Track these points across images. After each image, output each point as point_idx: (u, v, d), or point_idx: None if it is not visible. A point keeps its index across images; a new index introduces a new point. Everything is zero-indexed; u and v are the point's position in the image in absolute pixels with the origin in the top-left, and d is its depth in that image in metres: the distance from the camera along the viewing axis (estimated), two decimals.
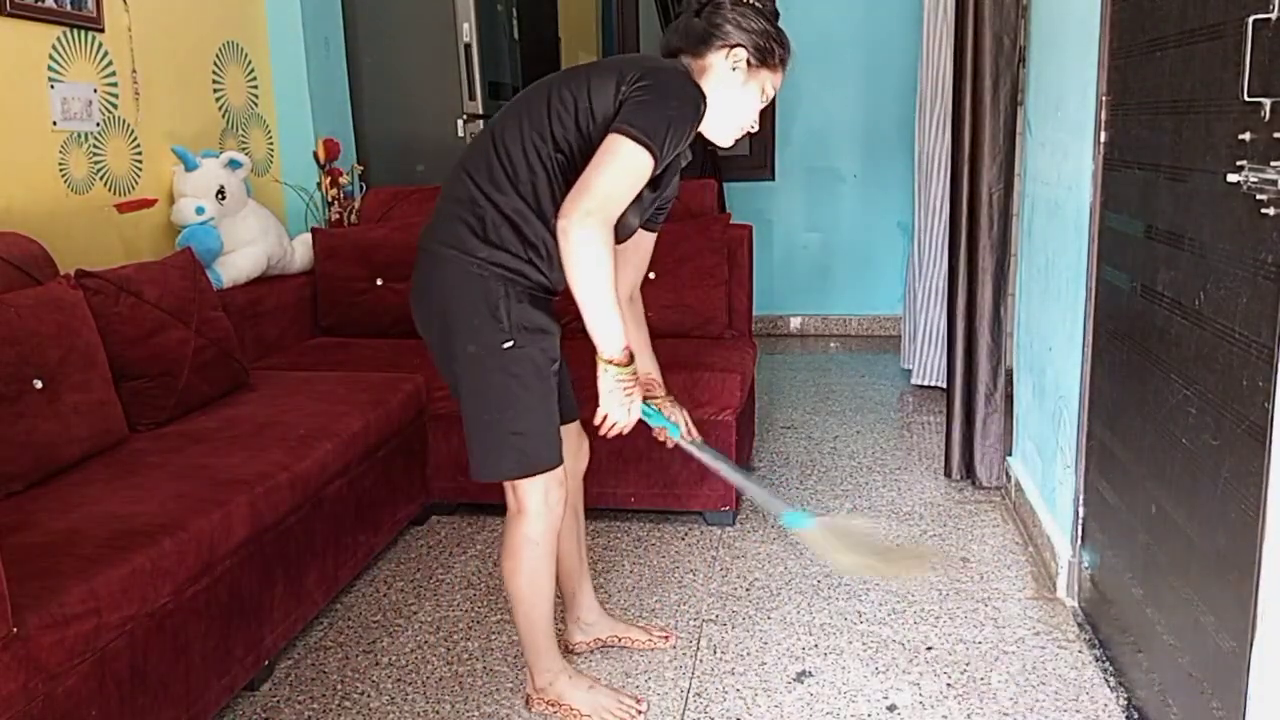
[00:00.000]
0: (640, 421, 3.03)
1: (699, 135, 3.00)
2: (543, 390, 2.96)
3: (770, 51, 2.96)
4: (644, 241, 3.34)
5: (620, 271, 3.12)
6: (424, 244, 3.03)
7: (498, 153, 2.90)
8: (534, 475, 3.00)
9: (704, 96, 2.86)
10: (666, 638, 3.65)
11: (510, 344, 2.88)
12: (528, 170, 2.87)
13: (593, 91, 2.83)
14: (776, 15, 3.00)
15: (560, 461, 3.05)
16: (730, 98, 2.96)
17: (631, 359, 2.88)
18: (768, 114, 8.75)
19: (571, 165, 2.83)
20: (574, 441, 3.40)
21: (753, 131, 3.09)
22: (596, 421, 2.95)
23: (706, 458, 3.27)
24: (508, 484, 3.06)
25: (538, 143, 2.86)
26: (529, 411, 2.95)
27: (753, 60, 2.94)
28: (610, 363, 2.84)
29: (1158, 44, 2.91)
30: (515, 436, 2.95)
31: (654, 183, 2.93)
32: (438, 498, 4.76)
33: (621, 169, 2.70)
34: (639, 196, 2.83)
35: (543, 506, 3.04)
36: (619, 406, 2.91)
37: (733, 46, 2.92)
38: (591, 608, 3.62)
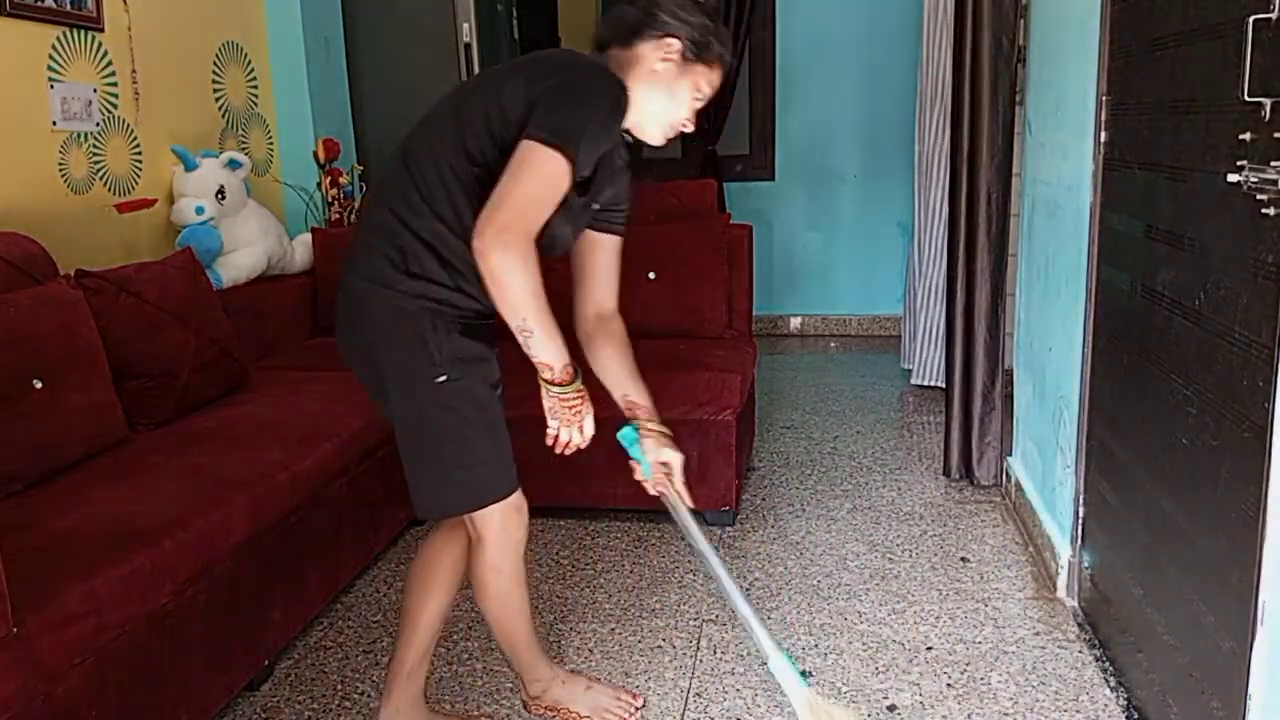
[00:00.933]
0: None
1: (630, 136, 2.85)
2: (485, 420, 2.79)
3: (707, 46, 2.73)
4: (602, 250, 3.07)
5: (582, 289, 3.08)
6: (344, 277, 2.81)
7: (411, 174, 2.69)
8: (485, 506, 2.84)
9: (623, 88, 2.64)
10: None
11: (444, 379, 2.70)
12: (442, 188, 2.65)
13: (503, 95, 2.62)
14: (718, 13, 2.80)
15: (515, 487, 2.88)
16: (659, 93, 2.75)
17: (576, 376, 2.70)
18: (766, 112, 8.77)
19: (490, 177, 2.57)
20: None
21: (685, 132, 2.86)
22: (549, 442, 2.78)
23: (683, 524, 3.02)
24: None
25: (451, 158, 2.65)
26: (473, 444, 2.79)
27: (688, 54, 2.72)
28: (551, 383, 2.67)
29: (1158, 44, 2.91)
30: (460, 470, 2.79)
31: (583, 186, 2.74)
32: None
33: (535, 178, 2.50)
34: (567, 203, 2.62)
35: (501, 534, 2.89)
36: (568, 426, 2.75)
37: (665, 36, 2.70)
38: (415, 700, 3.14)
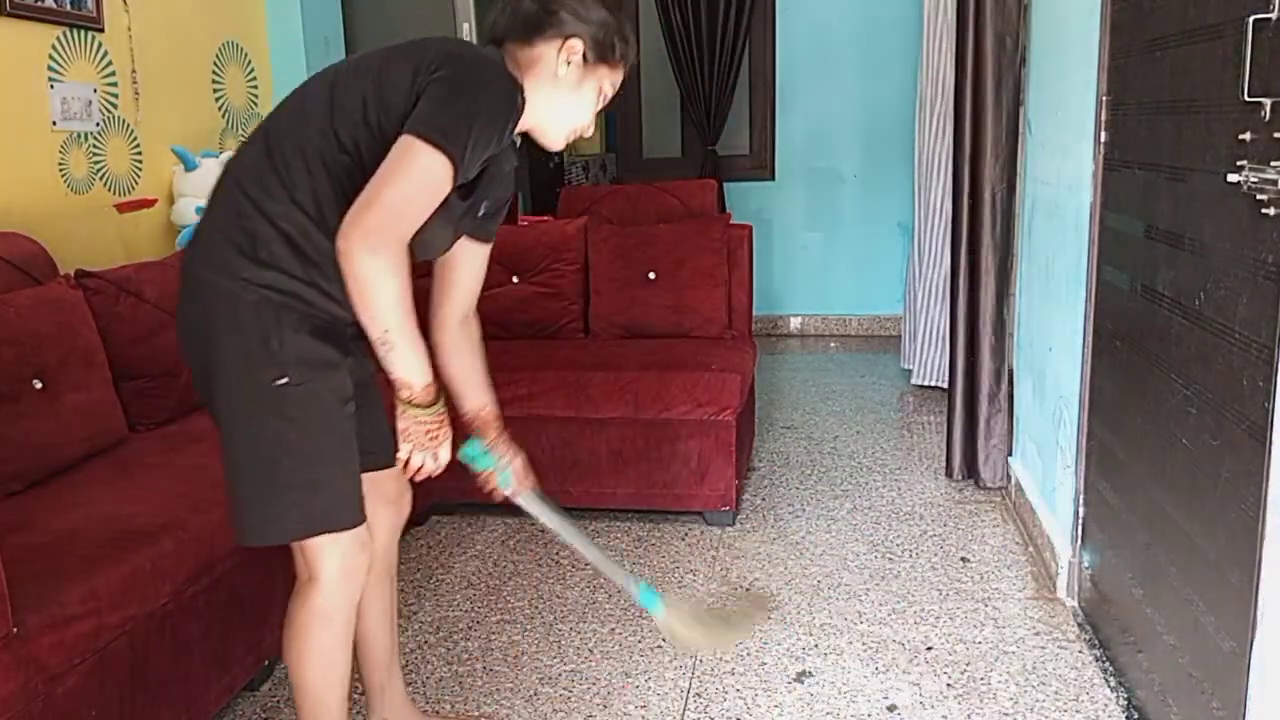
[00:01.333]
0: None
1: (526, 138, 2.64)
2: (332, 437, 2.47)
3: (610, 47, 2.53)
4: (474, 255, 2.79)
5: (449, 291, 2.79)
6: (185, 266, 2.49)
7: (271, 156, 2.41)
8: (321, 535, 2.48)
9: (519, 89, 2.41)
10: None
11: (284, 380, 2.37)
12: (306, 174, 2.37)
13: (385, 81, 2.37)
14: (618, 7, 2.65)
15: (361, 520, 2.54)
16: (561, 96, 2.54)
17: (437, 397, 2.44)
18: (766, 111, 8.78)
19: (359, 167, 2.33)
20: (392, 490, 2.91)
21: (585, 136, 2.67)
22: (399, 465, 2.53)
23: (546, 517, 2.83)
24: (295, 546, 2.57)
25: (319, 142, 2.38)
26: (313, 461, 2.44)
27: (590, 55, 2.51)
28: (409, 403, 2.41)
29: (1158, 44, 2.91)
30: (294, 491, 2.43)
31: (466, 189, 2.47)
32: (438, 497, 4.76)
33: (412, 178, 2.23)
34: (447, 206, 2.36)
35: (338, 575, 2.53)
36: (422, 450, 2.48)
37: (568, 38, 2.48)
38: (401, 707, 3.10)
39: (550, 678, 3.46)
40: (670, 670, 3.48)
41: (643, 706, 3.28)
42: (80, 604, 2.53)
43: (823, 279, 8.96)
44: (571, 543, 2.90)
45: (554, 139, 2.62)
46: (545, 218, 6.07)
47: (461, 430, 2.67)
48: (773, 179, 8.95)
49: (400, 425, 2.45)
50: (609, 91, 2.61)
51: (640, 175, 9.30)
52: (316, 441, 2.44)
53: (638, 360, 4.66)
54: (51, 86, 4.37)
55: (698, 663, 3.50)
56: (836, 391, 7.04)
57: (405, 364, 2.34)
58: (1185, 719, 2.73)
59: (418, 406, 2.41)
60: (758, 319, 6.84)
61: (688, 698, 3.32)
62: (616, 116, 9.59)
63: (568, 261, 5.28)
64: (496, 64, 2.43)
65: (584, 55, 2.51)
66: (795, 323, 9.03)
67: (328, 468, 2.47)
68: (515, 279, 5.31)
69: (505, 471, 2.77)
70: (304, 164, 2.37)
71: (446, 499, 4.77)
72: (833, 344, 8.67)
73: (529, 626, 3.78)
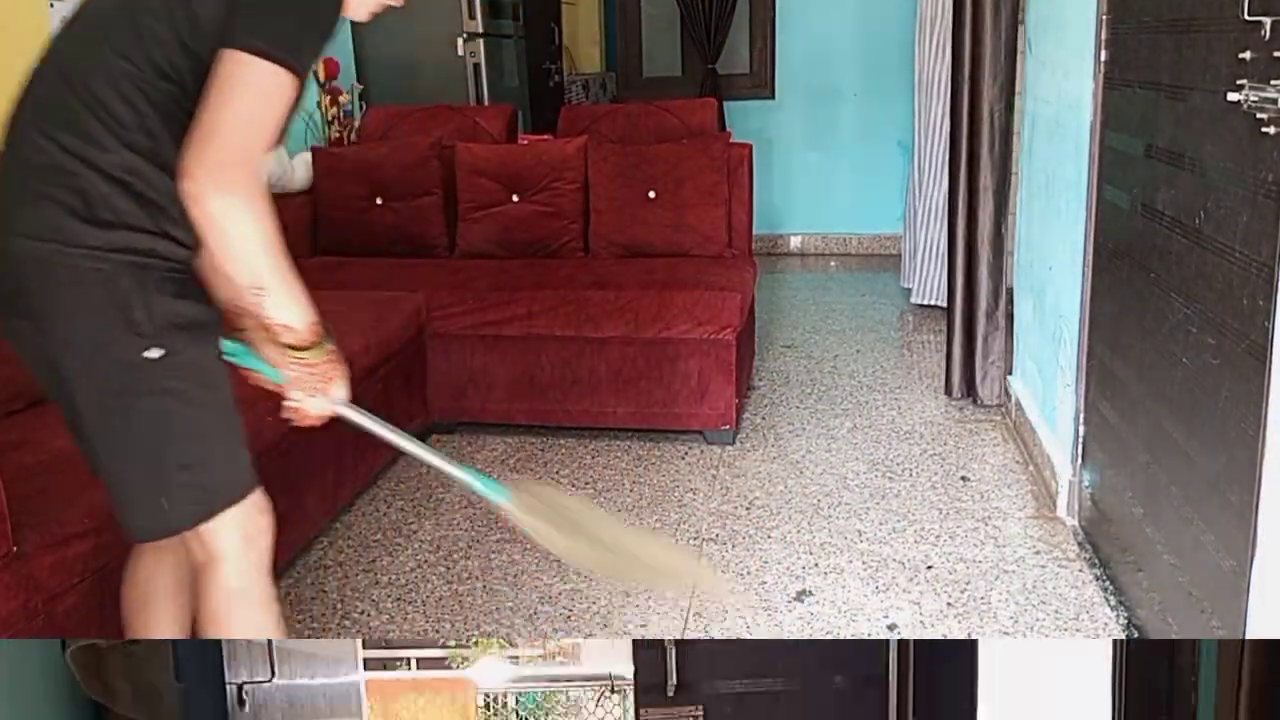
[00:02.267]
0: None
1: None
2: (216, 401, 2.19)
3: None
4: None
5: None
6: None
7: (79, 95, 2.02)
8: (220, 513, 2.18)
9: None
10: None
11: (160, 352, 2.06)
12: (131, 112, 2.01)
13: None
14: None
15: (255, 483, 2.27)
16: None
17: (323, 334, 2.19)
18: (766, 30, 8.73)
19: (186, 94, 2.01)
20: None
21: (395, 5, 2.32)
22: (285, 415, 2.28)
23: (357, 418, 2.40)
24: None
25: (133, 73, 2.00)
26: (202, 435, 2.17)
27: None
28: (293, 347, 2.15)
29: None
30: (186, 471, 2.15)
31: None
32: (437, 417, 4.77)
33: (253, 100, 1.96)
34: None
35: (243, 546, 2.23)
36: (313, 397, 2.25)
37: None
38: None
39: (550, 597, 3.48)
40: (670, 591, 3.49)
41: (643, 626, 3.29)
42: (79, 523, 2.54)
43: (823, 198, 8.94)
44: (398, 444, 2.49)
45: (357, 10, 2.26)
46: (545, 136, 6.04)
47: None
48: (773, 98, 8.90)
49: (285, 375, 2.22)
50: None
51: (640, 94, 9.24)
52: (203, 411, 2.18)
53: (637, 279, 4.65)
54: None
55: (698, 583, 3.52)
56: (836, 310, 7.04)
57: (283, 306, 2.09)
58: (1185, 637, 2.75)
59: (303, 349, 2.16)
60: (757, 238, 6.81)
61: (687, 618, 3.34)
62: (616, 35, 9.53)
63: (568, 180, 5.25)
64: None
65: None
66: (795, 242, 9.02)
67: (219, 439, 2.21)
68: (515, 198, 5.28)
69: (272, 369, 2.27)
70: (122, 99, 2.02)
71: (445, 418, 4.78)
72: (833, 263, 8.67)
73: (529, 545, 3.77)
